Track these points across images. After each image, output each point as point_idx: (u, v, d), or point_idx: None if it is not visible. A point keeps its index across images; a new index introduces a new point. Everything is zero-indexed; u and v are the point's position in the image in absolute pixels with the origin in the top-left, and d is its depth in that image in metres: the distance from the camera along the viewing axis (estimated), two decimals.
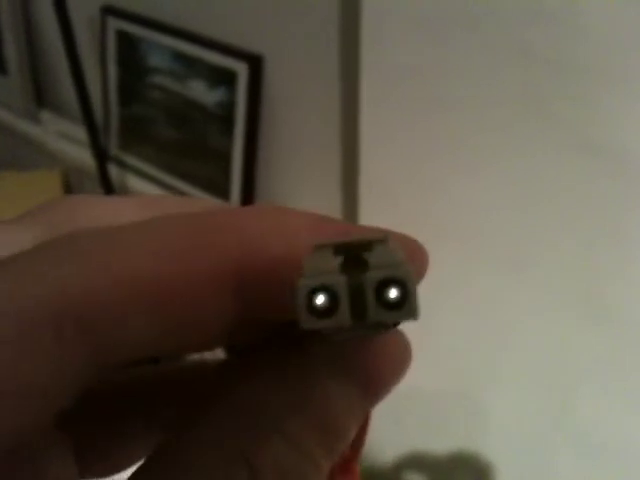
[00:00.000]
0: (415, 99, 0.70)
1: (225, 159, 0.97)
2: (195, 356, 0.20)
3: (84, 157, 1.18)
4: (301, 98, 0.86)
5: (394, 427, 0.96)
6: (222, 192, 0.99)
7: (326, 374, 0.16)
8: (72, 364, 0.13)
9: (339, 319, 0.14)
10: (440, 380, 0.87)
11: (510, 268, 0.72)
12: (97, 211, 0.17)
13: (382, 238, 0.15)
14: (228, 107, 0.93)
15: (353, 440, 0.17)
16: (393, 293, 0.14)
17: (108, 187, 1.12)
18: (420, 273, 0.17)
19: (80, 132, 1.20)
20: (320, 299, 0.14)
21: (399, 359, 0.17)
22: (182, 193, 1.06)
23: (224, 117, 0.95)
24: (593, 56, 0.57)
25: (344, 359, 0.16)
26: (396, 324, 0.15)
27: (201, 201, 0.19)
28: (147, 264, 0.14)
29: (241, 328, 0.16)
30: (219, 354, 0.19)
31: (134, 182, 1.14)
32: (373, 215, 0.82)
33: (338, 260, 0.14)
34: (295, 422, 0.15)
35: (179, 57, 0.98)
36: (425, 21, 0.66)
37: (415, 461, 0.96)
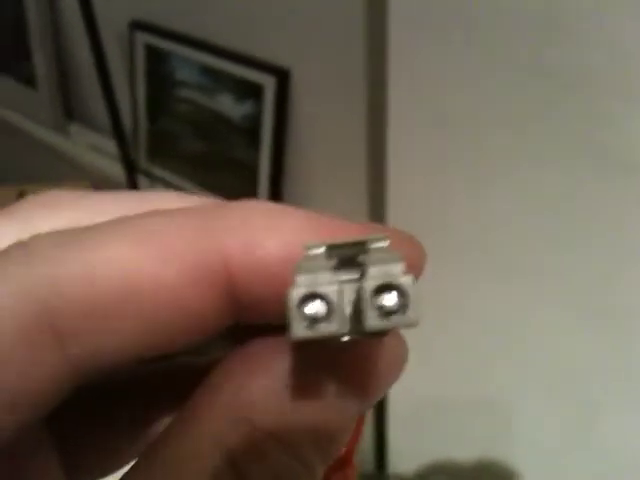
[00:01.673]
0: (442, 112, 0.70)
1: (252, 172, 0.97)
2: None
3: (112, 170, 1.20)
4: (328, 112, 0.87)
5: (419, 435, 0.96)
6: None
7: (322, 378, 0.15)
8: (47, 371, 0.13)
9: (333, 328, 0.13)
10: (465, 389, 0.87)
11: (538, 279, 0.71)
12: (77, 208, 0.16)
13: (378, 238, 0.14)
14: (255, 120, 0.94)
15: (348, 440, 0.16)
16: (392, 300, 0.13)
17: None
18: (417, 271, 0.16)
19: (108, 145, 1.22)
20: (312, 308, 0.13)
21: (395, 362, 0.16)
22: None
23: (251, 130, 0.95)
24: (608, 65, 0.57)
25: (340, 363, 0.15)
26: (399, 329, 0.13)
27: (189, 198, 0.17)
28: (127, 265, 0.14)
29: (237, 328, 0.15)
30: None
31: None
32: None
33: (332, 263, 0.14)
34: (291, 426, 0.14)
35: (206, 71, 0.99)
36: (451, 34, 0.66)
37: (439, 469, 0.95)
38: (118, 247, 0.14)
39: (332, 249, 0.14)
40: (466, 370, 0.85)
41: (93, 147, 1.30)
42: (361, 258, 0.14)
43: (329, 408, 0.15)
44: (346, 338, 0.13)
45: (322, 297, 0.13)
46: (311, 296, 0.13)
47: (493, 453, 0.88)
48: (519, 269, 0.72)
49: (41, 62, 1.31)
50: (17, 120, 1.44)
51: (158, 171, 1.14)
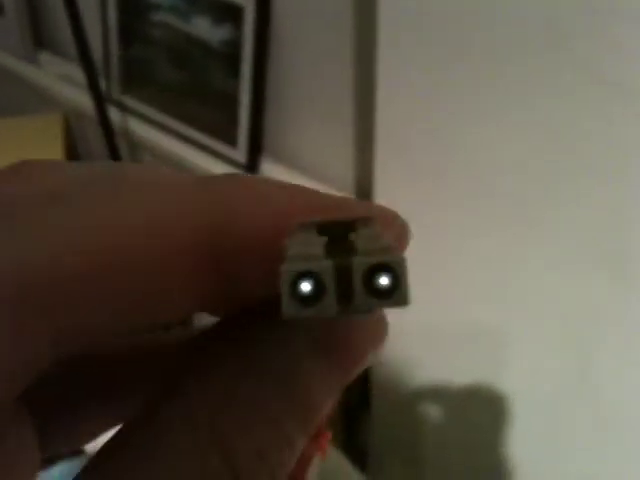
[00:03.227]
0: (435, 40, 0.66)
1: (231, 101, 0.92)
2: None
3: (85, 100, 1.14)
4: (312, 35, 0.81)
5: (414, 359, 0.96)
6: (229, 136, 0.95)
7: (305, 353, 0.15)
8: (30, 347, 0.13)
9: (325, 307, 0.13)
10: (460, 324, 0.87)
11: (533, 218, 0.69)
12: (54, 175, 0.15)
13: (367, 217, 0.14)
14: (234, 45, 0.88)
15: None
16: (384, 280, 0.13)
17: (108, 130, 1.07)
18: (401, 247, 0.17)
19: (80, 74, 1.16)
20: (306, 286, 0.13)
21: (376, 336, 0.17)
22: (186, 138, 1.02)
23: (230, 56, 0.90)
24: None
25: (324, 338, 0.16)
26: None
27: (178, 171, 0.17)
28: (105, 231, 0.13)
29: (222, 300, 0.15)
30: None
31: (136, 126, 1.10)
32: (387, 161, 0.78)
33: (323, 241, 0.14)
34: (273, 402, 0.15)
35: None
36: None
37: (433, 393, 0.97)
38: (101, 217, 0.14)
39: (322, 227, 0.14)
40: (462, 306, 0.85)
41: (64, 77, 1.25)
42: (352, 237, 0.14)
43: (313, 384, 0.15)
44: (336, 317, 0.14)
45: (315, 275, 0.13)
46: (304, 274, 0.13)
47: (485, 379, 0.88)
48: (521, 208, 0.70)
49: None
50: None
51: (132, 102, 1.09)
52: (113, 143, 1.09)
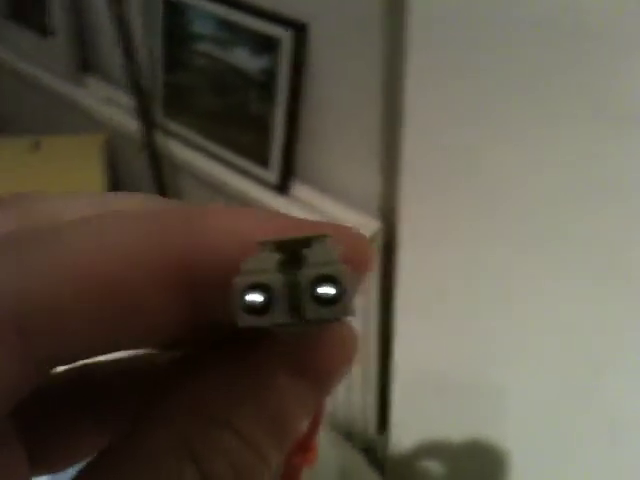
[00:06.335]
0: (460, 71, 0.69)
1: (266, 127, 0.97)
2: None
3: (127, 123, 1.19)
4: (345, 67, 0.85)
5: (413, 413, 0.97)
6: (262, 160, 1.00)
7: (277, 369, 0.16)
8: (14, 367, 0.13)
9: (274, 316, 0.14)
10: (458, 366, 0.87)
11: (540, 246, 0.71)
12: (45, 208, 0.16)
13: (321, 235, 0.15)
14: (271, 75, 0.93)
15: (308, 426, 0.17)
16: (327, 290, 0.14)
17: (153, 154, 1.12)
18: (362, 264, 0.17)
19: (123, 98, 1.21)
20: (255, 297, 0.14)
21: (346, 352, 0.17)
22: (224, 160, 1.07)
23: (267, 84, 0.95)
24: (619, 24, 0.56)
25: (294, 354, 0.16)
26: (337, 319, 0.14)
27: (155, 200, 0.18)
28: (89, 262, 0.14)
29: (194, 326, 0.16)
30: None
31: (177, 149, 1.14)
32: (413, 189, 0.81)
33: (277, 258, 0.15)
34: (246, 417, 0.15)
35: (223, 24, 0.98)
36: None
37: (433, 447, 0.96)
38: (85, 248, 0.14)
39: (279, 245, 0.15)
40: (457, 346, 0.86)
41: (108, 100, 1.30)
42: (304, 253, 0.15)
43: (285, 400, 0.16)
44: (291, 326, 0.14)
45: (265, 287, 0.14)
46: (255, 286, 0.14)
47: (485, 430, 0.88)
48: (522, 235, 0.72)
49: (58, 13, 1.30)
50: (33, 71, 1.44)
51: (173, 126, 1.14)
52: (157, 165, 1.14)
